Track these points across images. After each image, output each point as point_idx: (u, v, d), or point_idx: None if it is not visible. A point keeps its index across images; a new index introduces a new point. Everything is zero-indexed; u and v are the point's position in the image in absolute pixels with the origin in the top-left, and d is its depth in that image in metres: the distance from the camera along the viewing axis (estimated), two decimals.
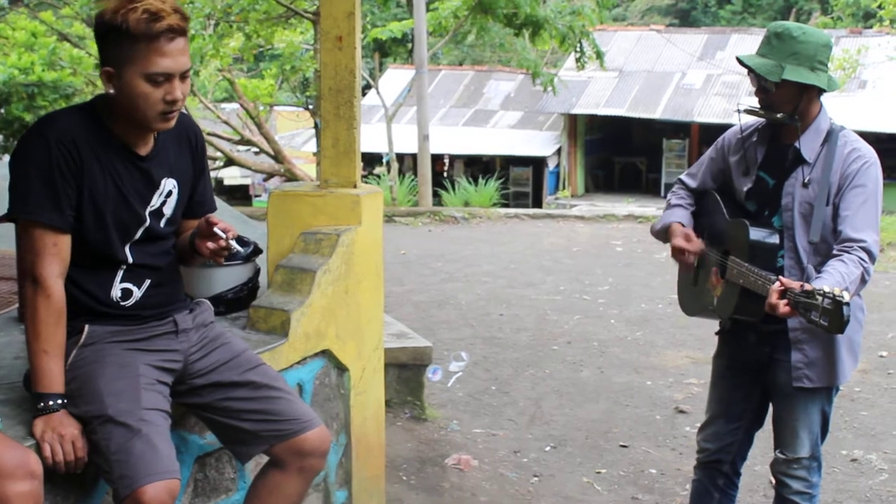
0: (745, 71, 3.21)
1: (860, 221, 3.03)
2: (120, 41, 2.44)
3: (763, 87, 3.12)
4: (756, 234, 3.14)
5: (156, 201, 2.67)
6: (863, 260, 2.97)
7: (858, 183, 3.08)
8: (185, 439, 2.93)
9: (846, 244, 3.00)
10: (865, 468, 5.09)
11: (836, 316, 2.63)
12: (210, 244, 2.67)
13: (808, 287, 2.74)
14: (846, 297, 2.64)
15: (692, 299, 3.51)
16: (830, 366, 3.18)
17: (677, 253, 3.38)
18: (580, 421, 5.83)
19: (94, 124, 2.55)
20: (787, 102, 3.11)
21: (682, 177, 3.59)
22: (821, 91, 3.12)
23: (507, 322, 8.53)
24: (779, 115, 3.13)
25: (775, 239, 3.16)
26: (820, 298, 2.67)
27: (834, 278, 2.87)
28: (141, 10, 2.41)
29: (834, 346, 3.15)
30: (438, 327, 8.19)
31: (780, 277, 2.87)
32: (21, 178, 2.49)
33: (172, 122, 2.58)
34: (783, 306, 2.80)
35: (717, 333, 3.51)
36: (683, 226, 3.41)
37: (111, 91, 2.50)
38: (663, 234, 3.47)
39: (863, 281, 2.97)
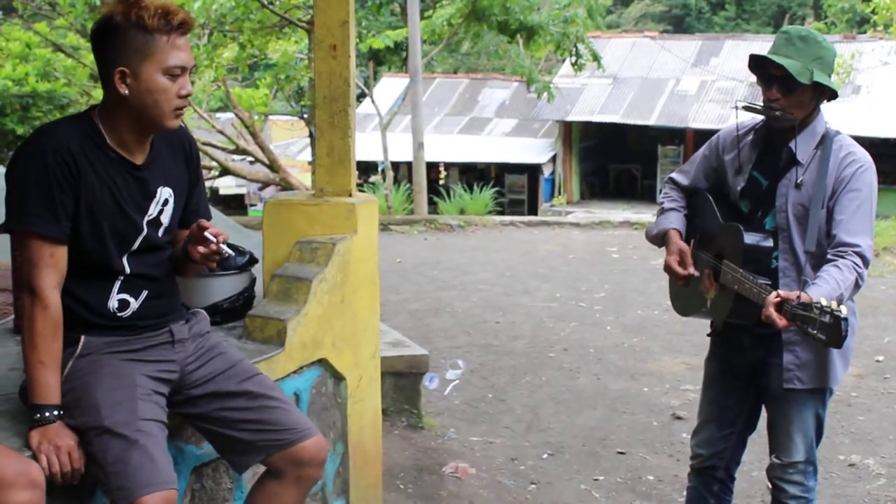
0: (740, 76, 3.21)
1: (855, 226, 3.04)
2: (134, 39, 2.48)
3: (786, 88, 3.08)
4: (750, 238, 3.14)
5: (153, 210, 2.68)
6: (857, 265, 2.98)
7: (853, 187, 3.09)
8: (182, 450, 2.93)
9: (840, 249, 3.01)
10: (863, 473, 5.09)
11: (834, 331, 2.63)
12: (201, 248, 2.66)
13: (804, 299, 2.73)
14: (844, 311, 2.62)
15: (684, 300, 3.51)
16: (821, 367, 3.19)
17: (669, 271, 3.40)
18: (577, 428, 5.83)
19: (90, 134, 2.56)
20: (805, 105, 3.12)
21: (674, 175, 3.58)
22: (826, 97, 3.15)
23: (503, 329, 8.53)
24: (777, 113, 3.12)
25: (769, 242, 3.17)
26: (818, 312, 2.66)
27: (829, 285, 2.87)
28: (153, 8, 2.48)
29: (826, 349, 3.15)
30: (435, 335, 8.17)
31: (778, 291, 2.86)
32: (18, 188, 2.49)
33: (179, 122, 2.63)
34: (780, 319, 2.80)
35: (709, 335, 3.51)
36: (681, 233, 3.41)
37: (125, 92, 2.51)
38: (659, 239, 3.47)
39: (856, 286, 2.98)
